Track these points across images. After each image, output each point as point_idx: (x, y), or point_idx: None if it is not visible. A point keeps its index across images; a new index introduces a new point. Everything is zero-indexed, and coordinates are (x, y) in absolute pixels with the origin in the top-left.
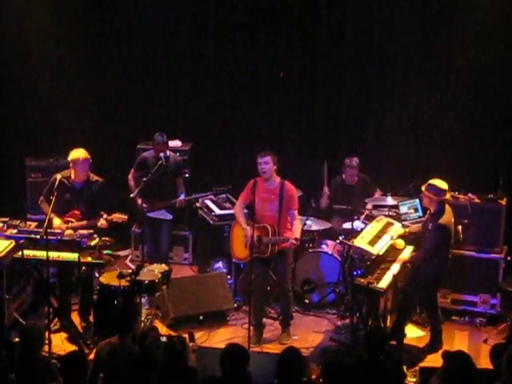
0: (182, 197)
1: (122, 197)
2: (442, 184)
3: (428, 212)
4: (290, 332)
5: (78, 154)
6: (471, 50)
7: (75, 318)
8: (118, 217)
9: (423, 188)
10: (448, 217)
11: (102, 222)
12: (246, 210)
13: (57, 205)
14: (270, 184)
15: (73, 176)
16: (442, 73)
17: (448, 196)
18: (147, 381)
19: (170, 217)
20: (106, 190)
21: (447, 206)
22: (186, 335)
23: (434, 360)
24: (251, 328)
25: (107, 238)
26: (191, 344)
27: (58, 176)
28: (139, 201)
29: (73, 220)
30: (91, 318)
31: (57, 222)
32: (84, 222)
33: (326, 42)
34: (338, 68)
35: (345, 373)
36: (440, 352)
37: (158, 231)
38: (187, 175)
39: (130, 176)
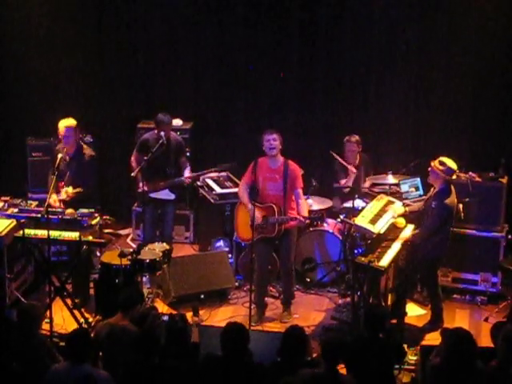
0: (187, 173)
1: (121, 176)
2: (452, 164)
3: (432, 190)
4: (291, 311)
5: (62, 122)
6: (474, 20)
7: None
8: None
9: (433, 163)
10: (452, 196)
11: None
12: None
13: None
14: (273, 163)
15: (64, 148)
16: (444, 51)
17: (455, 177)
18: (149, 359)
19: (172, 196)
20: (96, 165)
21: (451, 186)
22: (190, 312)
23: (435, 338)
24: (253, 307)
25: (108, 217)
26: (195, 318)
27: (60, 155)
28: (140, 183)
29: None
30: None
31: (52, 198)
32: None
33: (326, 17)
34: (339, 44)
35: (344, 350)
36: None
37: (163, 213)
38: (188, 154)
39: (132, 158)
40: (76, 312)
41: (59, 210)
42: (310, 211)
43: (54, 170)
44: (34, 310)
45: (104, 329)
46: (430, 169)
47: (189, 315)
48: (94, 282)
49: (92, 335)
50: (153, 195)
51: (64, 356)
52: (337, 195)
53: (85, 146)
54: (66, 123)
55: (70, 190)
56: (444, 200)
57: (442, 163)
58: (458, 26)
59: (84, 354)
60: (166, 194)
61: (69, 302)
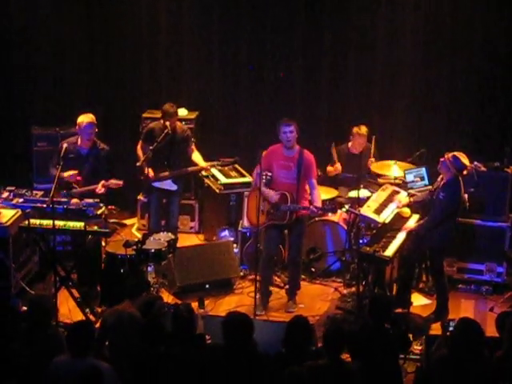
0: (202, 163)
1: (126, 166)
2: (465, 160)
3: (440, 180)
4: (296, 300)
5: (83, 118)
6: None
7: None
8: (114, 183)
9: (447, 155)
10: (461, 188)
11: (99, 188)
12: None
13: (63, 170)
14: (289, 152)
15: (79, 142)
16: (450, 40)
17: (465, 173)
18: (155, 349)
19: (175, 187)
20: (111, 159)
21: (460, 180)
22: (196, 302)
23: (440, 328)
24: (258, 297)
25: (113, 207)
26: (201, 310)
27: (65, 145)
28: (146, 169)
29: (76, 186)
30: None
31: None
32: (84, 189)
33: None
34: (344, 30)
35: (345, 339)
36: None
37: (168, 203)
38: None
39: (138, 147)
40: (82, 303)
41: (64, 200)
42: (324, 201)
43: (59, 161)
44: (46, 301)
45: (111, 316)
46: (442, 159)
47: (194, 306)
48: (100, 271)
49: (99, 323)
50: (157, 185)
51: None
52: (343, 184)
53: (99, 141)
54: (88, 119)
55: (114, 181)
56: (452, 192)
57: (455, 158)
58: (463, 14)
59: (86, 346)
60: (168, 185)
61: (75, 292)
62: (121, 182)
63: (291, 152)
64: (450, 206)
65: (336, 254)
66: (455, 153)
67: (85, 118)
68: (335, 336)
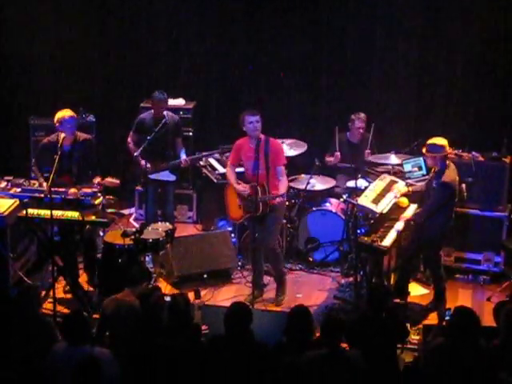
0: (183, 156)
1: (124, 155)
2: (439, 140)
3: (433, 170)
4: (284, 290)
5: (64, 112)
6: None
7: (83, 275)
8: (110, 181)
9: (424, 150)
10: (452, 174)
11: (95, 186)
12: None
13: (48, 169)
14: (255, 142)
15: (60, 139)
16: (446, 32)
17: (449, 150)
18: (152, 339)
19: (173, 178)
20: (96, 148)
21: (451, 164)
22: (192, 293)
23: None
24: (251, 286)
25: (111, 197)
26: (197, 301)
27: (62, 135)
28: (142, 162)
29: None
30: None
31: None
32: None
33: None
34: (342, 25)
35: (342, 328)
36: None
37: (164, 193)
38: (191, 134)
39: (128, 139)
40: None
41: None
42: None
43: (57, 150)
44: (31, 290)
45: (111, 304)
46: (424, 156)
47: (191, 295)
48: (97, 261)
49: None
50: (153, 176)
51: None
52: (341, 174)
53: (78, 133)
54: (69, 113)
55: (110, 179)
56: (442, 178)
57: (430, 146)
58: (460, 5)
59: (82, 334)
60: (166, 176)
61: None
62: (117, 182)
63: (257, 142)
64: (443, 192)
65: (334, 243)
66: (427, 142)
67: (65, 113)
68: (332, 324)
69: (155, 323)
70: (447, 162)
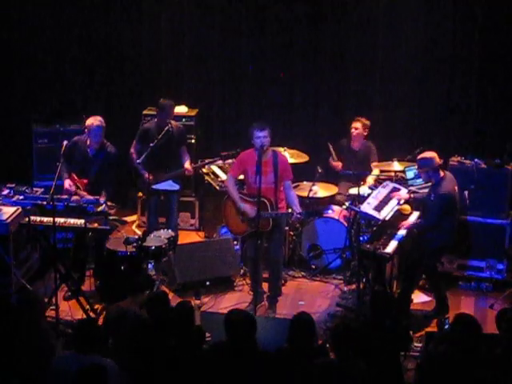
0: (187, 164)
1: (128, 163)
2: (428, 154)
3: (431, 184)
4: (276, 308)
5: (92, 120)
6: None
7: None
8: (109, 205)
9: (416, 169)
10: (449, 185)
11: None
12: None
13: (73, 167)
14: (263, 156)
15: (88, 142)
16: (448, 31)
17: (439, 161)
18: (155, 345)
19: (177, 187)
20: (117, 163)
21: (448, 174)
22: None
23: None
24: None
25: (113, 204)
26: (197, 301)
27: (65, 142)
28: (146, 174)
29: (80, 187)
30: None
31: (66, 183)
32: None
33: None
34: (344, 31)
35: (354, 337)
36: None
37: (167, 202)
38: (193, 141)
39: (131, 149)
40: (82, 299)
41: (65, 196)
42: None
43: (60, 158)
44: (32, 298)
45: (114, 312)
46: (417, 172)
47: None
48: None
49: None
50: (156, 187)
51: (71, 344)
52: (343, 181)
53: (108, 143)
54: (97, 122)
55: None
56: (439, 191)
57: (420, 160)
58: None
59: (92, 343)
60: (169, 185)
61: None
62: (112, 211)
63: (265, 156)
64: (441, 204)
65: (336, 251)
66: (417, 157)
67: (94, 121)
68: (344, 333)
69: (159, 329)
70: (442, 174)
